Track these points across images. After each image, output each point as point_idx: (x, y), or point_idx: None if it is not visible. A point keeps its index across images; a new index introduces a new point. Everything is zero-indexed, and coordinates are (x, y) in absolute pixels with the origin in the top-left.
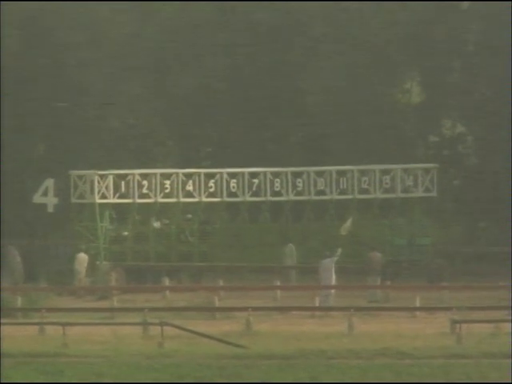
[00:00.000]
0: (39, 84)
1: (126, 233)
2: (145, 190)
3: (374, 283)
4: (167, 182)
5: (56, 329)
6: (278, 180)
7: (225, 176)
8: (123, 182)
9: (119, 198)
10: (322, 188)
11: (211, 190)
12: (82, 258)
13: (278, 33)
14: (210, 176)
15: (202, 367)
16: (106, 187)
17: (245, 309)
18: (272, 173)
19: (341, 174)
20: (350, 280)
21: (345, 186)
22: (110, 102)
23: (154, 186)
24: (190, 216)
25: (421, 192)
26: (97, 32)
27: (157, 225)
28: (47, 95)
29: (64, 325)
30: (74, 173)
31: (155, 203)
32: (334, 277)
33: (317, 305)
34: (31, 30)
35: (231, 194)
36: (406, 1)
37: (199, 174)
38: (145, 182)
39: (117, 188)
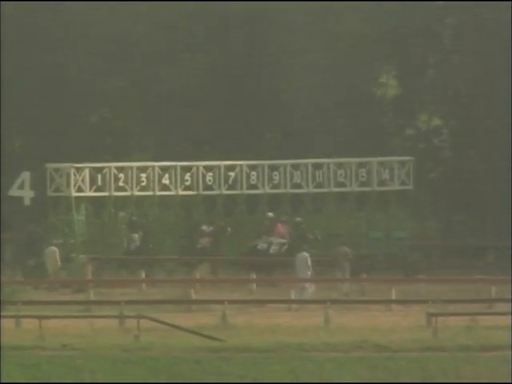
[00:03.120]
0: (16, 79)
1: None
2: (121, 183)
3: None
4: (143, 176)
5: (32, 322)
6: (254, 173)
7: (201, 169)
8: (99, 176)
9: (95, 191)
10: (298, 181)
11: (187, 183)
12: (52, 251)
13: (254, 29)
14: (186, 169)
15: (178, 360)
16: (83, 180)
17: (221, 302)
18: (248, 166)
19: (317, 167)
20: (323, 273)
21: (321, 179)
22: (88, 97)
23: (130, 180)
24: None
25: (397, 185)
26: (75, 28)
27: (121, 215)
28: (24, 90)
29: (40, 318)
30: (51, 166)
31: (131, 196)
32: (310, 270)
33: (293, 298)
34: (8, 26)
35: (207, 187)
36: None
37: (175, 168)
38: (121, 175)
39: (93, 181)
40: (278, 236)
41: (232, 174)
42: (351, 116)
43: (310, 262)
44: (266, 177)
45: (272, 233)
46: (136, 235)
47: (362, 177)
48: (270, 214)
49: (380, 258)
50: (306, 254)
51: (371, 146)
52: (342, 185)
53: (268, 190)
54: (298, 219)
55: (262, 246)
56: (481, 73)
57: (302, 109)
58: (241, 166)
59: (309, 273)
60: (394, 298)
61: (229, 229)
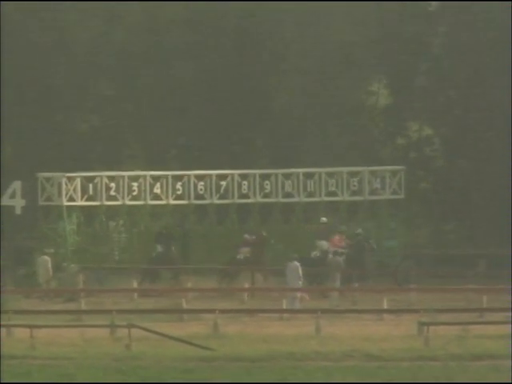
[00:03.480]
0: (5, 86)
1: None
2: (112, 193)
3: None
4: (135, 185)
5: (23, 331)
6: (245, 182)
7: (192, 178)
8: (91, 185)
9: (87, 200)
10: (289, 190)
11: (179, 192)
12: (45, 260)
13: (245, 35)
14: (177, 178)
15: (169, 369)
16: (74, 189)
17: (212, 311)
18: (240, 175)
19: (308, 176)
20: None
21: (312, 189)
22: (78, 105)
23: (121, 189)
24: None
25: (388, 194)
26: (63, 34)
27: (112, 224)
28: (14, 97)
29: (31, 327)
30: (42, 175)
31: (123, 205)
32: (301, 279)
33: (284, 307)
34: None
35: (199, 197)
36: (381, 0)
37: (167, 177)
38: (112, 185)
39: (85, 190)
40: (334, 245)
41: (223, 183)
42: (342, 125)
43: (300, 272)
44: (258, 186)
45: (325, 239)
46: (159, 246)
47: (354, 186)
48: (324, 219)
49: (371, 267)
50: (296, 264)
51: (362, 156)
52: (333, 194)
53: (259, 199)
54: (359, 230)
55: (315, 254)
56: (472, 81)
57: (293, 118)
58: (232, 175)
59: (300, 282)
60: (385, 307)
61: (272, 240)
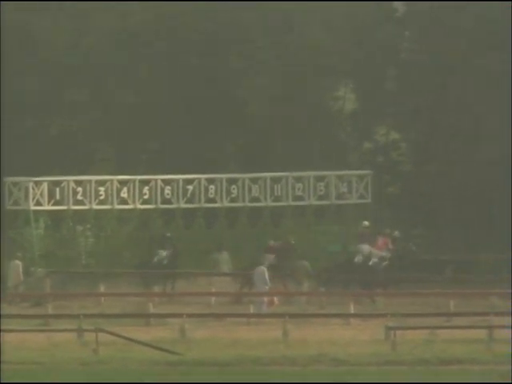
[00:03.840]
0: None
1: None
2: (79, 197)
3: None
4: (102, 189)
5: None
6: (212, 187)
7: (159, 183)
8: (58, 189)
9: (54, 204)
10: (256, 195)
11: (145, 196)
12: (16, 265)
13: (214, 41)
14: (144, 183)
15: (136, 374)
16: (41, 194)
17: (179, 315)
18: (206, 179)
19: (275, 180)
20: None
21: (279, 193)
22: (47, 109)
23: (88, 193)
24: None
25: (355, 199)
26: (33, 37)
27: (79, 229)
28: None
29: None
30: (9, 179)
31: (90, 210)
32: (268, 284)
33: (251, 311)
34: None
35: (165, 201)
36: (354, 0)
37: (134, 181)
38: (79, 189)
39: (52, 195)
40: (378, 249)
41: (190, 187)
42: (310, 130)
43: (267, 276)
44: (225, 190)
45: (371, 243)
46: (163, 251)
47: (320, 190)
48: (366, 223)
49: (338, 272)
50: (263, 268)
51: (330, 160)
52: (300, 198)
53: (226, 204)
54: (397, 233)
55: (359, 258)
56: (439, 85)
57: (261, 122)
58: (199, 179)
59: (267, 287)
60: (352, 311)
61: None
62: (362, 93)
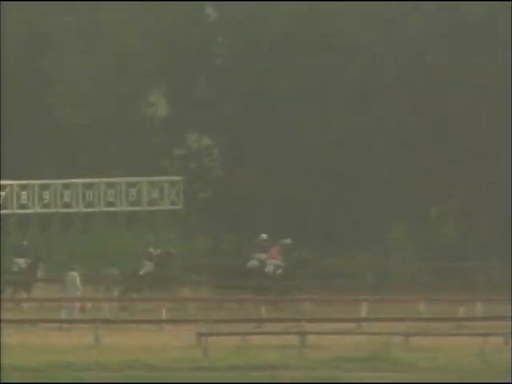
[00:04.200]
0: None
1: None
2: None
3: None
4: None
5: None
6: (24, 193)
7: (15, 188)
8: (3, 193)
9: None
10: (68, 200)
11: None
12: (73, 276)
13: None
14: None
15: None
16: None
17: None
18: (18, 185)
19: (87, 186)
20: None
21: (91, 199)
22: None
23: None
24: None
25: (167, 204)
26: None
27: None
28: None
29: None
30: None
31: None
32: (79, 289)
33: (63, 317)
34: None
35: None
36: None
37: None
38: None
39: None
40: (273, 257)
41: (2, 193)
42: (122, 135)
43: (78, 282)
44: (37, 196)
45: (266, 252)
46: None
47: (132, 196)
48: (264, 236)
49: (145, 277)
50: (74, 274)
51: (142, 166)
52: (111, 204)
53: (38, 210)
54: (287, 241)
55: (252, 263)
56: (251, 90)
57: (74, 128)
58: (11, 185)
59: (78, 292)
60: (164, 317)
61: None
62: (173, 99)
